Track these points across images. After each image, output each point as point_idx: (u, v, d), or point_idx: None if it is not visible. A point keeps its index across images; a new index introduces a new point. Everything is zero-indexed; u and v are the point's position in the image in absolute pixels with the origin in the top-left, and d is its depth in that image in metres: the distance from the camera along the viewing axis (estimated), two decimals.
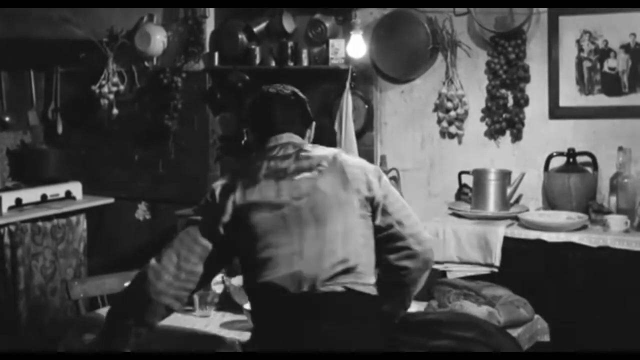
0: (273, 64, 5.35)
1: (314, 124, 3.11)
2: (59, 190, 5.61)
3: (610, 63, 4.74)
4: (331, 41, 5.19)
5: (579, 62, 4.80)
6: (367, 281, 2.78)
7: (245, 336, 3.16)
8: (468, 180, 4.93)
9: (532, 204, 4.92)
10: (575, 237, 4.36)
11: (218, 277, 3.55)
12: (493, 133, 5.00)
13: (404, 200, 2.95)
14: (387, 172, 5.16)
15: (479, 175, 4.81)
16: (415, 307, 3.44)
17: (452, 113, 5.05)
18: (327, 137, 5.16)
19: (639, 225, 4.43)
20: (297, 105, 3.07)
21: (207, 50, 5.55)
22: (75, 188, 5.69)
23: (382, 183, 2.90)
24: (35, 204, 5.43)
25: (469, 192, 4.90)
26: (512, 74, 4.90)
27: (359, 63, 5.17)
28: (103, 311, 3.70)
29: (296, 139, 2.97)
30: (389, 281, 2.89)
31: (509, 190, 4.78)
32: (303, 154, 2.89)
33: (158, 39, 5.56)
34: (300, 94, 3.13)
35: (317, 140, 5.42)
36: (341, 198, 2.79)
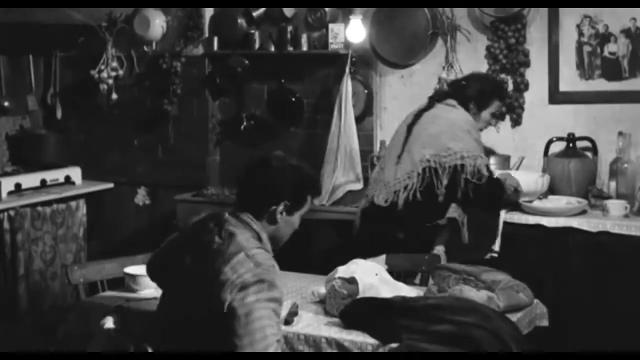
0: (272, 48, 5.34)
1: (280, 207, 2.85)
2: (58, 175, 5.60)
3: (610, 48, 4.73)
4: (331, 26, 5.17)
5: (579, 46, 4.79)
6: None
7: None
8: None
9: None
10: (575, 222, 4.36)
11: None
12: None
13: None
14: None
15: None
16: (414, 292, 3.45)
17: None
18: (326, 122, 5.17)
19: (638, 210, 4.44)
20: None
21: (206, 34, 5.54)
22: (75, 173, 5.68)
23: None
24: (35, 189, 5.43)
25: None
26: (512, 59, 4.89)
27: (358, 48, 5.16)
28: (103, 296, 3.71)
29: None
30: None
31: None
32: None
33: (157, 24, 5.54)
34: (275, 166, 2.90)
35: (316, 125, 5.43)
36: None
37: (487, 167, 4.14)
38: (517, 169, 4.84)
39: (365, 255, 3.63)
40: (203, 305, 2.69)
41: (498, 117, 4.76)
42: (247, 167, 2.93)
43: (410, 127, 4.28)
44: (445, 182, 4.08)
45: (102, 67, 5.66)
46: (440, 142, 4.14)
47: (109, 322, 3.23)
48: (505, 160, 4.85)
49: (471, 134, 4.18)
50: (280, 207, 2.83)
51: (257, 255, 2.71)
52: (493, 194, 4.19)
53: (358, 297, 3.28)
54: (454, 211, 4.16)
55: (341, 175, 5.06)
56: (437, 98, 4.42)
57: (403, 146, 4.25)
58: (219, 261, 2.69)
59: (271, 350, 2.62)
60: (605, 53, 4.75)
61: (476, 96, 4.33)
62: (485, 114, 4.37)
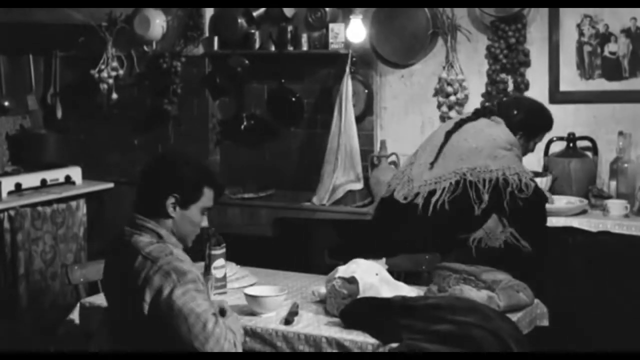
0: (272, 48, 5.34)
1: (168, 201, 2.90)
2: (58, 175, 5.60)
3: (610, 47, 4.73)
4: (331, 25, 5.17)
5: (580, 46, 4.79)
6: None
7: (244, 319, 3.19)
8: None
9: None
10: (575, 222, 4.37)
11: (219, 262, 3.56)
12: None
13: None
14: (387, 157, 5.17)
15: None
16: (415, 291, 3.45)
17: (452, 97, 5.04)
18: (326, 122, 5.17)
19: (638, 209, 4.43)
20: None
21: (207, 34, 5.54)
22: (75, 173, 5.68)
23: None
24: (35, 188, 5.43)
25: None
26: (513, 59, 4.89)
27: (358, 47, 5.16)
28: (102, 296, 3.71)
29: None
30: None
31: None
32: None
33: (157, 24, 5.54)
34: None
35: (316, 125, 5.43)
36: None
37: (532, 179, 4.01)
38: None
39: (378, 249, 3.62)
40: (128, 315, 2.78)
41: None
42: (142, 167, 2.99)
43: (448, 135, 4.09)
44: (486, 197, 3.88)
45: (102, 66, 5.66)
46: (480, 158, 3.95)
47: None
48: None
49: (513, 151, 4.04)
50: (171, 200, 2.86)
51: (152, 251, 2.77)
52: (539, 202, 4.05)
53: (358, 297, 3.28)
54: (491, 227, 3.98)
55: (341, 175, 5.06)
56: (482, 113, 4.22)
57: (439, 152, 4.06)
58: (123, 272, 2.79)
59: (210, 325, 2.67)
60: (606, 53, 4.74)
61: (527, 128, 4.16)
62: (531, 144, 4.25)
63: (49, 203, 5.36)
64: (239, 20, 5.41)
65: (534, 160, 4.86)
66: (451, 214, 3.90)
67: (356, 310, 3.18)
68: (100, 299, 3.63)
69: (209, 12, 5.54)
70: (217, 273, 3.60)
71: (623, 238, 4.28)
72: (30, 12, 5.63)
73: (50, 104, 5.98)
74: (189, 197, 2.90)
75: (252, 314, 3.31)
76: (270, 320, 3.26)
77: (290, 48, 5.27)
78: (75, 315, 3.61)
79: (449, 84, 5.04)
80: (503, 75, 4.93)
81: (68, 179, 5.63)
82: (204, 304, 2.71)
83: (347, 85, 5.08)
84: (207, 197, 2.94)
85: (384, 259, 3.86)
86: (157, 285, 2.70)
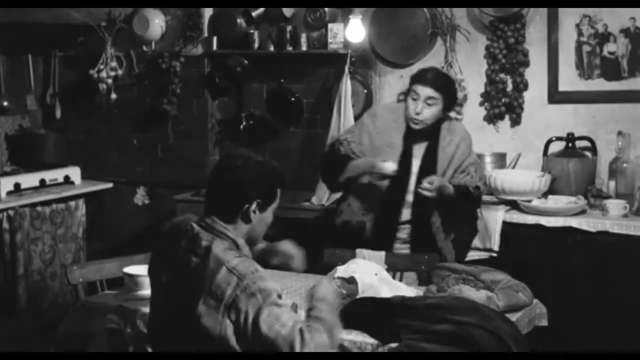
0: (272, 48, 5.34)
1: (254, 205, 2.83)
2: (57, 175, 5.60)
3: (609, 47, 4.73)
4: (330, 25, 5.17)
5: (579, 46, 4.79)
6: None
7: None
8: None
9: None
10: (574, 222, 4.37)
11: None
12: (492, 117, 4.99)
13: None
14: None
15: None
16: (414, 291, 3.45)
17: None
18: (325, 121, 5.17)
19: (637, 209, 4.44)
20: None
21: (206, 34, 5.54)
22: (74, 173, 5.68)
23: None
24: (34, 188, 5.43)
25: None
26: (512, 59, 4.89)
27: (357, 47, 5.16)
28: (102, 296, 3.71)
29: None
30: None
31: None
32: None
33: (156, 24, 5.54)
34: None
35: (315, 125, 5.43)
36: None
37: None
38: (514, 166, 4.84)
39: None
40: (192, 325, 2.67)
41: None
42: (213, 171, 2.88)
43: None
44: None
45: (102, 66, 5.66)
46: None
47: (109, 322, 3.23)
48: (501, 158, 4.85)
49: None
50: (253, 206, 2.81)
51: (238, 266, 2.68)
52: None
53: (357, 297, 3.28)
54: None
55: None
56: None
57: None
58: (200, 281, 2.67)
59: (297, 345, 2.57)
60: (605, 53, 4.75)
61: None
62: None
63: (48, 203, 5.36)
64: (238, 20, 5.41)
65: (533, 160, 4.87)
66: None
67: (355, 311, 3.18)
68: (100, 299, 3.64)
69: (208, 12, 5.54)
70: None
71: (622, 238, 4.28)
72: (30, 12, 5.63)
73: (50, 104, 5.98)
74: (268, 200, 2.86)
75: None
76: None
77: (290, 48, 5.27)
78: (74, 316, 3.61)
79: None
80: (502, 75, 4.94)
81: (67, 179, 5.64)
82: (288, 322, 2.62)
83: (346, 85, 5.08)
84: (279, 197, 2.91)
85: (383, 255, 3.87)
86: (244, 307, 2.62)
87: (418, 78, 4.07)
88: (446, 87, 4.08)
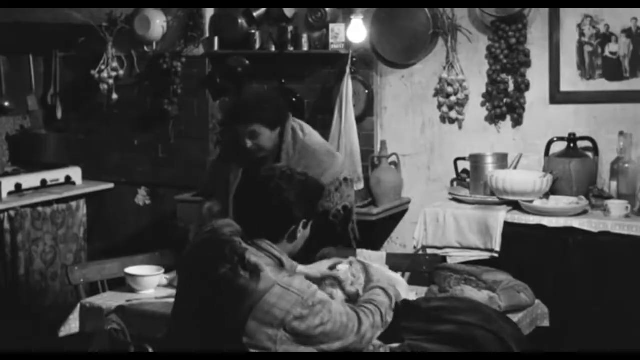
0: (273, 48, 5.34)
1: None
2: (58, 175, 5.60)
3: (611, 47, 4.73)
4: (331, 26, 5.17)
5: (580, 46, 4.78)
6: None
7: None
8: (466, 166, 4.92)
9: None
10: (576, 222, 4.36)
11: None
12: (493, 118, 4.99)
13: None
14: (387, 157, 5.16)
15: (476, 160, 4.81)
16: (413, 292, 3.44)
17: (453, 98, 5.04)
18: (327, 122, 5.16)
19: (639, 210, 4.43)
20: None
21: (207, 35, 5.53)
22: (75, 173, 5.68)
23: None
24: (35, 189, 5.43)
25: (467, 177, 4.90)
26: (513, 59, 4.89)
27: (359, 48, 5.15)
28: (103, 296, 3.71)
29: None
30: None
31: None
32: None
33: (157, 24, 5.54)
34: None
35: (316, 125, 5.43)
36: None
37: None
38: (515, 167, 4.84)
39: None
40: (235, 339, 2.67)
41: None
42: (253, 191, 2.85)
43: None
44: None
45: (103, 67, 5.66)
46: None
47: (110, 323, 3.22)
48: (502, 158, 4.85)
49: None
50: (300, 226, 2.83)
51: (293, 282, 2.70)
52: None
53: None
54: None
55: None
56: None
57: None
58: (250, 298, 2.66)
59: (357, 322, 2.80)
60: (606, 53, 4.74)
61: None
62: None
63: (49, 203, 5.36)
64: (239, 21, 5.40)
65: (535, 160, 4.87)
66: None
67: None
68: (100, 300, 3.63)
69: (209, 12, 5.54)
70: None
71: (624, 238, 4.27)
72: (31, 13, 5.64)
73: (51, 104, 5.98)
74: (312, 217, 2.88)
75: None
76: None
77: (291, 48, 5.26)
78: (75, 316, 3.61)
79: (449, 85, 5.03)
80: (504, 76, 4.93)
81: (68, 180, 5.64)
82: (340, 312, 2.76)
83: (348, 86, 5.08)
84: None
85: (384, 255, 3.86)
86: (304, 317, 2.67)
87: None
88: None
